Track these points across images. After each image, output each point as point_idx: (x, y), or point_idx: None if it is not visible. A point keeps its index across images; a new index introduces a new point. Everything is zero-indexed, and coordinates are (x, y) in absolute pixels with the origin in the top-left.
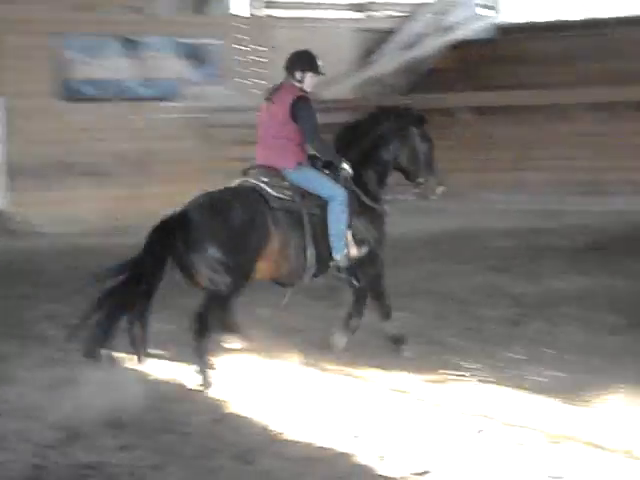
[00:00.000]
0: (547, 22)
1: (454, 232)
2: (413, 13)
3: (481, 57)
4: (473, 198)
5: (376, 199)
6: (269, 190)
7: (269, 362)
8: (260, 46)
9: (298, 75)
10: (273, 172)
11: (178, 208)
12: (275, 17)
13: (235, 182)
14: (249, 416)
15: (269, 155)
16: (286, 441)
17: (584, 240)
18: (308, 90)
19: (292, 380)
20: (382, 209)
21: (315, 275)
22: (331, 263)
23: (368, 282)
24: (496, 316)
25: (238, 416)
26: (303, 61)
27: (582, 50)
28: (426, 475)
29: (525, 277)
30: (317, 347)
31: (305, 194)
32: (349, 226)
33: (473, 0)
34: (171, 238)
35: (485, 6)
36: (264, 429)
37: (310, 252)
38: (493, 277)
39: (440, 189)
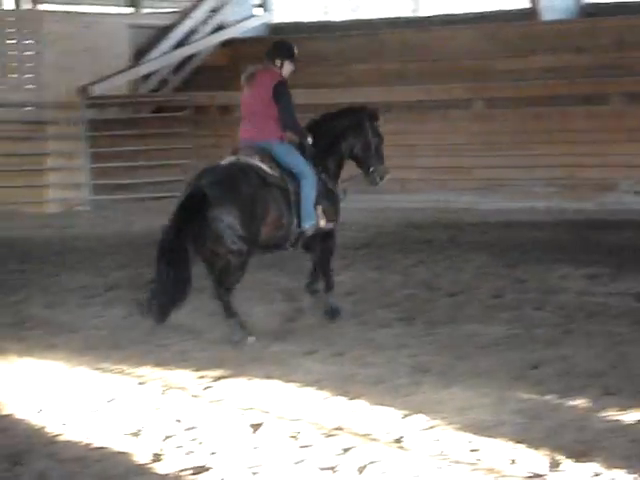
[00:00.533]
0: (319, 22)
1: None
2: (187, 10)
3: (254, 55)
4: None
5: (334, 184)
6: (264, 168)
7: (44, 363)
8: (29, 40)
9: (278, 62)
10: (259, 149)
11: (190, 185)
12: (44, 11)
13: (228, 159)
14: (23, 418)
15: (254, 132)
16: (61, 442)
17: (353, 237)
18: (285, 76)
19: (67, 380)
20: (339, 193)
21: (296, 244)
22: (297, 231)
23: (322, 254)
24: (272, 311)
25: (11, 418)
26: (283, 50)
27: (350, 50)
28: (204, 472)
29: (296, 272)
30: (93, 347)
31: (288, 171)
32: (318, 202)
33: None
34: (193, 215)
35: (258, 5)
36: (38, 431)
37: (294, 223)
38: (266, 273)
39: (387, 176)
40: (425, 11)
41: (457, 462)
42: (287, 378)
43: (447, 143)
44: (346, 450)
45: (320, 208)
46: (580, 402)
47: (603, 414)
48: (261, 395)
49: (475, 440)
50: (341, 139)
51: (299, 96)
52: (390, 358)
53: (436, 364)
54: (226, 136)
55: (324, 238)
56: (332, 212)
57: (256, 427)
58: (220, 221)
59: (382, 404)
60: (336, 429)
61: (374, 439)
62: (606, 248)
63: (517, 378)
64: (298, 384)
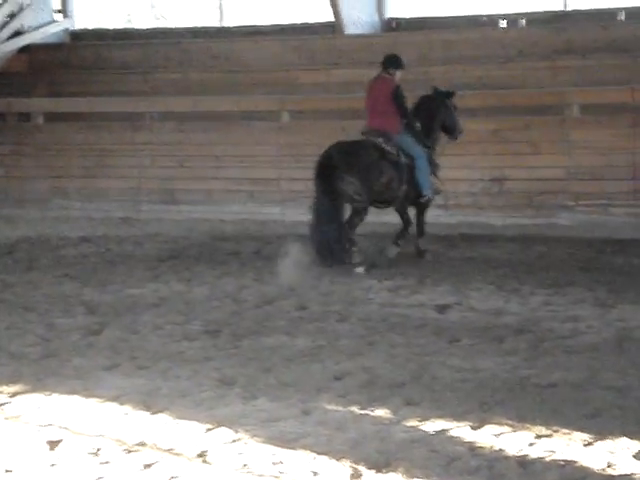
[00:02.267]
0: (122, 29)
1: (30, 240)
2: None
3: (53, 62)
4: (49, 205)
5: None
6: (384, 146)
7: None
8: None
9: (391, 71)
10: (384, 135)
11: (323, 153)
12: None
13: (359, 138)
14: None
15: (380, 122)
16: None
17: (159, 248)
18: (397, 82)
19: None
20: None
21: (403, 205)
22: (421, 199)
23: (420, 211)
24: (73, 325)
25: None
26: (395, 62)
27: (156, 59)
28: None
29: (100, 285)
30: None
31: (403, 151)
32: (432, 173)
33: (47, 4)
34: (326, 173)
35: (58, 11)
36: None
37: (403, 188)
38: (68, 286)
39: (463, 133)
40: (230, 22)
41: (260, 475)
42: (88, 393)
43: (254, 154)
44: (148, 466)
45: (433, 178)
46: (382, 413)
47: (404, 424)
48: (60, 411)
49: (278, 452)
50: (436, 119)
51: (99, 104)
52: (195, 371)
53: (241, 376)
54: (25, 144)
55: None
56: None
57: (54, 444)
58: (343, 180)
59: (186, 418)
60: (138, 444)
61: (177, 454)
62: (407, 261)
63: (321, 390)
64: (99, 399)
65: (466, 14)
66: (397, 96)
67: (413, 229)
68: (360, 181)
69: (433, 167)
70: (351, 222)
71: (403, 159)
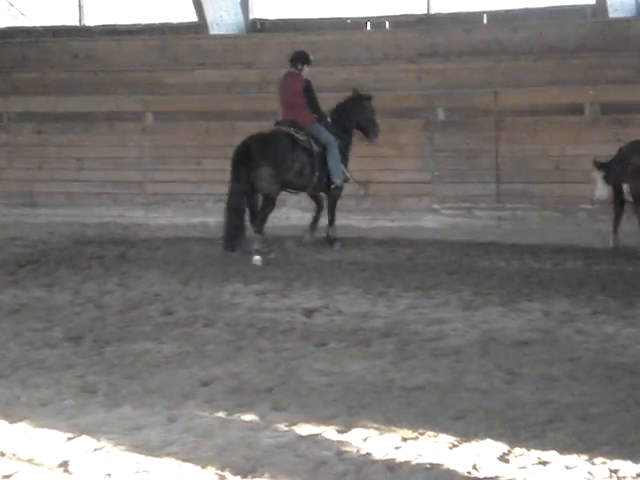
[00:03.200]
0: None
1: None
2: None
3: None
4: None
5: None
6: (296, 135)
7: None
8: None
9: (300, 66)
10: (296, 125)
11: (240, 143)
12: None
13: (272, 129)
14: None
15: (293, 114)
16: None
17: (18, 252)
18: (306, 76)
19: None
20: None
21: (314, 191)
22: (332, 186)
23: (332, 199)
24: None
25: None
26: (305, 58)
27: (14, 58)
28: None
29: None
30: None
31: (315, 140)
32: (343, 161)
33: None
34: (242, 161)
35: None
36: None
37: (316, 174)
38: None
39: (377, 136)
40: (90, 21)
41: None
42: None
43: (116, 156)
44: (7, 476)
45: (343, 167)
46: (250, 418)
47: (272, 430)
48: None
49: (143, 461)
50: (351, 117)
51: None
52: (56, 379)
53: (104, 384)
54: None
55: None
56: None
57: None
58: (259, 168)
59: (46, 427)
60: None
61: (37, 464)
62: (276, 264)
63: (187, 396)
64: None
65: (331, 17)
66: (307, 89)
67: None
68: (274, 168)
69: (344, 159)
70: (263, 212)
71: (315, 147)
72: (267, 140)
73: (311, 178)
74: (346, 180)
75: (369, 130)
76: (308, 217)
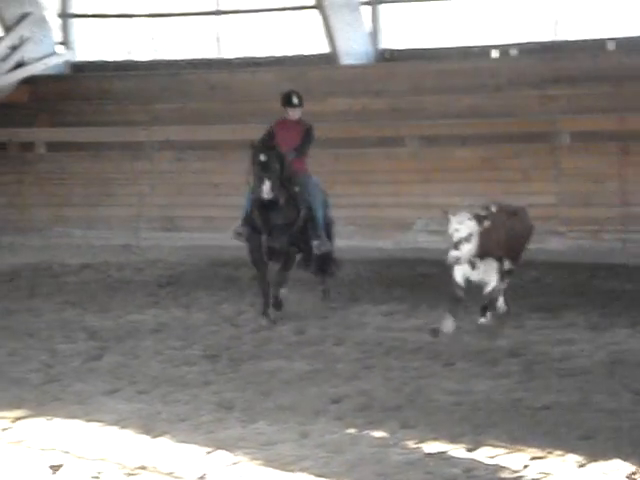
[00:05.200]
0: (122, 61)
1: (31, 267)
2: None
3: (55, 93)
4: (50, 233)
5: None
6: None
7: None
8: None
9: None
10: None
11: None
12: None
13: None
14: None
15: None
16: None
17: (158, 274)
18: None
19: None
20: None
21: None
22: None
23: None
24: (74, 351)
25: None
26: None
27: (155, 90)
28: None
29: (101, 311)
30: None
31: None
32: None
33: (48, 36)
34: None
35: (60, 43)
36: None
37: None
38: (69, 312)
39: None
40: (228, 53)
41: None
42: (89, 417)
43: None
44: None
45: None
46: (379, 435)
47: (401, 447)
48: (62, 435)
49: (277, 475)
50: None
51: (101, 134)
52: (194, 395)
53: (240, 400)
54: (27, 173)
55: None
56: None
57: (56, 468)
58: None
59: (186, 442)
60: (139, 468)
61: (177, 477)
62: (402, 285)
63: (319, 412)
64: (100, 423)
65: (458, 45)
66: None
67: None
68: None
69: None
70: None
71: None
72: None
73: None
74: None
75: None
76: (437, 240)
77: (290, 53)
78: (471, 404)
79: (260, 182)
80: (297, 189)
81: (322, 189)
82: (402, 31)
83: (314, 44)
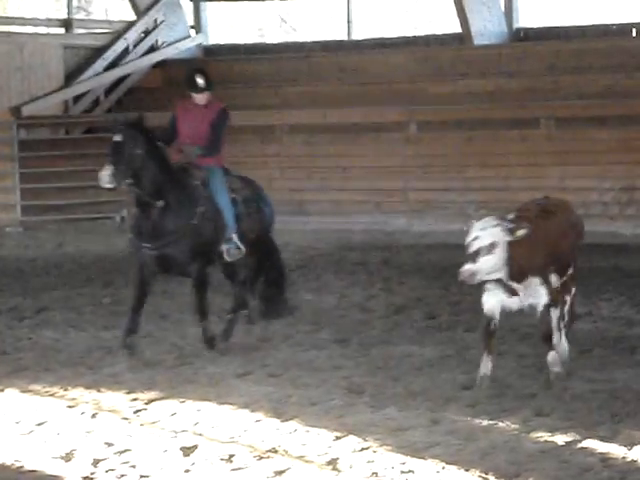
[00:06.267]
0: (254, 44)
1: None
2: (120, 31)
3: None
4: None
5: None
6: None
7: None
8: None
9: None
10: None
11: None
12: None
13: None
14: None
15: None
16: None
17: (288, 258)
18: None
19: (6, 403)
20: None
21: None
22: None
23: None
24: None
25: None
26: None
27: (285, 73)
28: None
29: (229, 295)
30: (23, 369)
31: None
32: None
33: (181, 20)
34: None
35: (192, 26)
36: None
37: None
38: None
39: None
40: (358, 34)
41: None
42: (221, 400)
43: (381, 165)
44: (280, 472)
45: None
46: (512, 423)
47: (534, 435)
48: (194, 417)
49: (408, 461)
50: None
51: (233, 117)
52: (324, 379)
53: (370, 385)
54: None
55: None
56: None
57: (189, 450)
58: None
59: (316, 426)
60: (270, 451)
61: (308, 461)
62: None
63: (450, 399)
64: (232, 406)
65: (596, 23)
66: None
67: None
68: None
69: None
70: None
71: None
72: None
73: None
74: None
75: None
76: None
77: (421, 33)
78: (608, 392)
79: (101, 167)
80: (196, 183)
81: (254, 184)
82: (537, 9)
83: (446, 24)
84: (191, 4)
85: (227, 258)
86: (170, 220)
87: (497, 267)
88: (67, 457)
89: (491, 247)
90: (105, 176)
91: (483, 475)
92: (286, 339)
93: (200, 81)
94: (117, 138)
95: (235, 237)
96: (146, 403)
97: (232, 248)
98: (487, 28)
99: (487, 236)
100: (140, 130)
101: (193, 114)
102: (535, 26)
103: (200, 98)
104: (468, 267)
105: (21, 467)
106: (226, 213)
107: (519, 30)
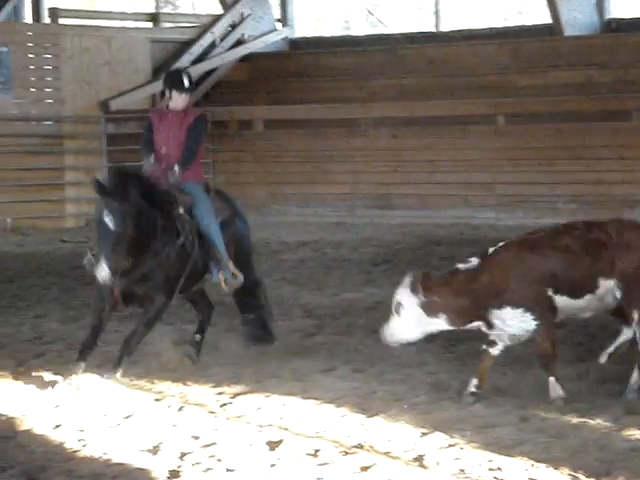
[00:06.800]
0: (340, 37)
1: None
2: (207, 25)
3: (273, 70)
4: (268, 211)
5: None
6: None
7: (61, 378)
8: (48, 54)
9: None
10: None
11: None
12: (64, 25)
13: None
14: (41, 434)
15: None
16: (79, 458)
17: (373, 252)
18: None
19: (85, 396)
20: None
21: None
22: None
23: None
24: (291, 328)
25: (31, 434)
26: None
27: (372, 65)
28: None
29: (317, 289)
30: (110, 362)
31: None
32: None
33: (267, 13)
34: None
35: (278, 20)
36: (56, 447)
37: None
38: (287, 289)
39: None
40: (446, 26)
41: None
42: (306, 395)
43: (468, 159)
44: (365, 468)
45: None
46: (602, 421)
47: (625, 433)
48: (280, 412)
49: (496, 459)
50: None
51: (317, 111)
52: (409, 375)
53: (456, 382)
54: (245, 151)
55: None
56: None
57: (274, 444)
58: None
59: (402, 422)
60: (355, 447)
61: (394, 457)
62: None
63: (539, 396)
64: (317, 401)
65: None
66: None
67: None
68: None
69: None
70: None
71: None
72: None
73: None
74: None
75: None
76: None
77: (511, 25)
78: None
79: (97, 257)
80: (179, 212)
81: (232, 202)
82: (631, 0)
83: (536, 15)
84: None
85: (225, 289)
86: (141, 256)
87: (410, 327)
88: (154, 450)
89: (397, 307)
90: (105, 275)
91: (573, 473)
92: (371, 334)
93: (185, 80)
94: (110, 224)
95: (231, 265)
96: (232, 397)
97: (229, 278)
98: (578, 19)
99: (396, 295)
100: (129, 196)
101: (169, 120)
102: (627, 17)
103: (180, 100)
104: (383, 329)
105: (109, 460)
106: (216, 240)
107: (610, 21)
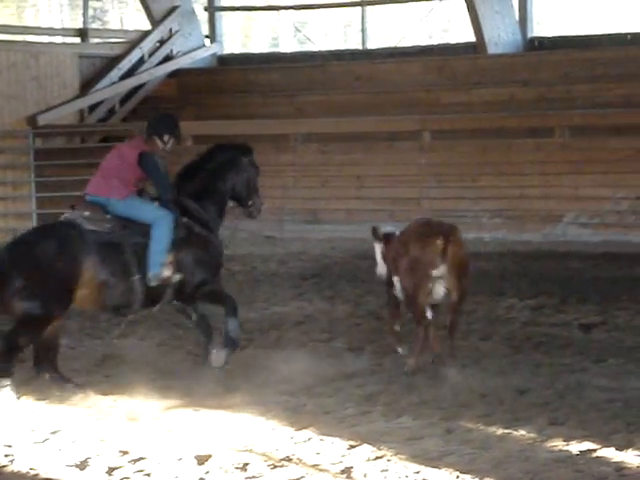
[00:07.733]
0: (268, 53)
1: None
2: (135, 40)
3: (202, 86)
4: None
5: (213, 229)
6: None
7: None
8: None
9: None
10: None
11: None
12: None
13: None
14: None
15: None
16: (7, 473)
17: (301, 266)
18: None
19: (13, 411)
20: (218, 239)
21: (150, 303)
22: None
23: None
24: (221, 341)
25: None
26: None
27: (300, 82)
28: None
29: (246, 303)
30: (38, 377)
31: (127, 224)
32: (170, 250)
33: (196, 29)
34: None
35: (206, 36)
36: None
37: (137, 279)
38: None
39: (263, 207)
40: (373, 44)
41: None
42: (235, 409)
43: (395, 174)
44: None
45: (170, 256)
46: (526, 432)
47: (549, 444)
48: (209, 426)
49: (422, 470)
50: (219, 179)
51: (246, 126)
52: (338, 388)
53: (384, 394)
54: (174, 163)
55: (200, 290)
56: (198, 262)
57: (204, 458)
58: (9, 280)
59: (330, 434)
60: (284, 459)
61: (322, 470)
62: (551, 279)
63: (464, 408)
64: (246, 414)
65: (611, 32)
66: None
67: None
68: (30, 282)
69: (192, 242)
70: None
71: (125, 237)
72: (20, 242)
73: (126, 288)
74: (172, 279)
75: (248, 200)
76: (587, 233)
77: (436, 43)
78: (623, 402)
79: None
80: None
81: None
82: (551, 19)
83: (461, 33)
84: (206, 14)
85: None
86: None
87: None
88: (82, 465)
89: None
90: None
91: None
92: (300, 347)
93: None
94: None
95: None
96: (161, 411)
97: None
98: (501, 37)
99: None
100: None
101: (121, 154)
102: (549, 35)
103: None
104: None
105: (36, 475)
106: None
107: (533, 39)
